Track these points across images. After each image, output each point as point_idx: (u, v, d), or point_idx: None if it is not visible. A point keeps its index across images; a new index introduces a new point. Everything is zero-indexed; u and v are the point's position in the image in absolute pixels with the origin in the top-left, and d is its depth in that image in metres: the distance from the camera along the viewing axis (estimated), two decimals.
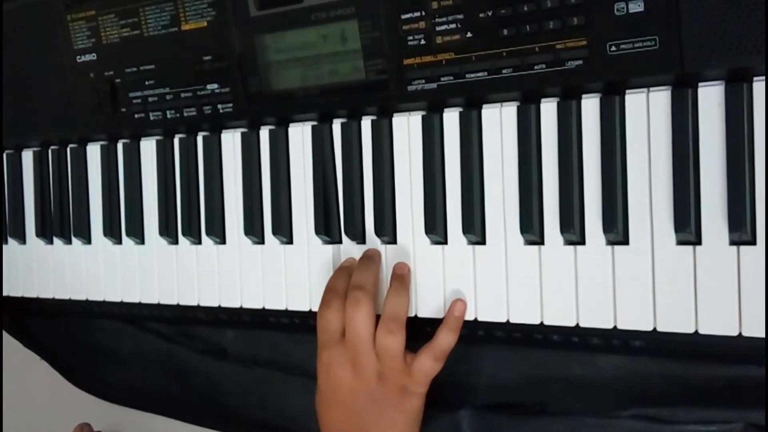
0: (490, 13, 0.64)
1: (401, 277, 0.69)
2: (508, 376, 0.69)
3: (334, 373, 0.68)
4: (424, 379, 0.66)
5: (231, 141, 0.81)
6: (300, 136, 0.77)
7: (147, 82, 0.83)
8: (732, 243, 0.58)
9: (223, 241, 0.81)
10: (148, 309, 0.87)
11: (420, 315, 0.70)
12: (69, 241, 0.93)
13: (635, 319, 0.61)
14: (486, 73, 0.65)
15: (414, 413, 0.67)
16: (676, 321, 0.59)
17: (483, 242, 0.67)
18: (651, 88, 0.60)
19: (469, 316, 0.68)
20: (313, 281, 0.76)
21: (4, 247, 0.98)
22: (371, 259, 0.71)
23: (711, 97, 0.58)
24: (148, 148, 0.86)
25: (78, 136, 0.92)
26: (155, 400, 0.92)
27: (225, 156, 0.81)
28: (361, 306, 0.66)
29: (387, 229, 0.72)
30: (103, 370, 0.96)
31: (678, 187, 0.59)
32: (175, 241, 0.85)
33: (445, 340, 0.66)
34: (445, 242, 0.69)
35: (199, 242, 0.83)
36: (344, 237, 0.74)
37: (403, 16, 0.68)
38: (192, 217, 0.83)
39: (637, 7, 0.58)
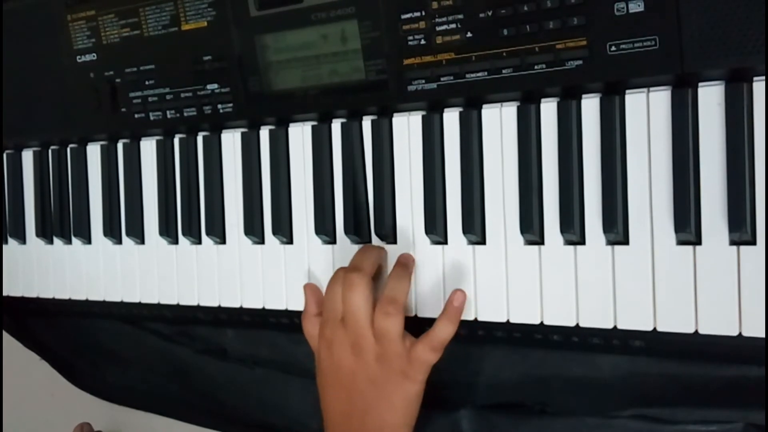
0: (490, 13, 0.64)
1: (404, 264, 0.69)
2: (508, 375, 0.69)
3: (335, 353, 0.67)
4: (423, 367, 0.66)
5: (231, 141, 0.81)
6: (300, 136, 0.77)
7: (147, 82, 0.83)
8: (732, 243, 0.58)
9: (223, 241, 0.81)
10: (148, 309, 0.87)
11: (420, 315, 0.70)
12: (69, 241, 0.93)
13: (635, 319, 0.61)
14: (486, 73, 0.65)
15: (413, 398, 0.66)
16: (676, 321, 0.59)
17: (483, 242, 0.67)
18: (651, 88, 0.60)
19: (469, 316, 0.68)
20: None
21: (4, 247, 0.98)
22: (375, 247, 0.71)
23: (711, 97, 0.58)
24: (148, 148, 0.86)
25: (78, 136, 0.91)
26: (155, 399, 0.92)
27: (225, 156, 0.81)
28: (356, 288, 0.66)
29: (387, 229, 0.72)
30: (102, 369, 0.96)
31: (678, 187, 0.59)
32: (175, 241, 0.85)
33: (444, 330, 0.65)
34: (445, 242, 0.69)
35: (199, 242, 0.83)
36: (344, 237, 0.74)
37: (403, 16, 0.68)
38: (192, 217, 0.83)
39: (637, 7, 0.58)
